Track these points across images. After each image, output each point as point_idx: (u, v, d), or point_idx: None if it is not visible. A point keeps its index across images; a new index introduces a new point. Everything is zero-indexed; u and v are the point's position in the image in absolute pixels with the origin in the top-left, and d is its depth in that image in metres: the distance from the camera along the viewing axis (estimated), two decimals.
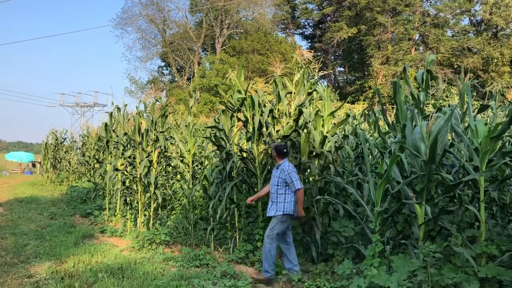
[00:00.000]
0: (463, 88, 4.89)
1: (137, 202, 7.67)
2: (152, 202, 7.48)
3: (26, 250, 6.26)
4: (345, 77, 43.24)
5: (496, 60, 28.91)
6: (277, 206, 5.11)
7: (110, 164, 8.90)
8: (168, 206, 8.77)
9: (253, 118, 6.03)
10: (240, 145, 6.67)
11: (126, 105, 9.52)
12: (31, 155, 32.40)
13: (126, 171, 8.00)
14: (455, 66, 30.72)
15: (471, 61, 29.54)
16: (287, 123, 6.12)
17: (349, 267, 4.56)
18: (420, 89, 4.89)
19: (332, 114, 6.08)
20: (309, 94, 6.15)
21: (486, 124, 4.12)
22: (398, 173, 4.41)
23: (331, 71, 40.50)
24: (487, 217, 4.35)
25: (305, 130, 5.91)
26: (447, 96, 24.81)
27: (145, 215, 7.67)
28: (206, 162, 8.15)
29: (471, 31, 32.82)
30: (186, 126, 7.40)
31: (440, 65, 30.46)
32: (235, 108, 6.32)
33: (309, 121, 5.99)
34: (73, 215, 9.88)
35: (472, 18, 33.62)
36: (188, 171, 7.22)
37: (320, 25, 42.74)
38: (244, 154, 6.28)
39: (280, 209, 5.08)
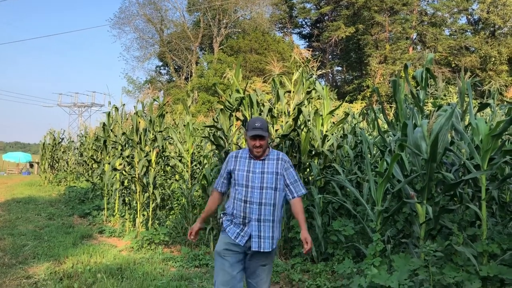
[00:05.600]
0: (463, 86, 4.88)
1: (136, 202, 7.63)
2: (150, 202, 7.44)
3: (24, 250, 6.22)
4: (343, 77, 43.24)
5: (493, 59, 28.95)
6: (274, 229, 3.10)
7: (108, 164, 8.87)
8: (167, 206, 8.73)
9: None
10: (239, 144, 6.65)
11: (124, 104, 9.50)
12: (28, 155, 32.30)
13: (125, 171, 7.97)
14: (453, 65, 30.75)
15: (469, 60, 29.56)
16: (286, 122, 6.09)
17: (350, 267, 4.53)
18: (419, 88, 4.87)
19: (331, 113, 6.07)
20: (308, 93, 6.13)
21: (486, 122, 4.11)
22: (398, 171, 4.39)
23: (329, 70, 40.49)
24: (488, 215, 4.34)
25: (305, 129, 5.89)
26: (445, 95, 24.84)
27: (143, 215, 7.63)
28: (205, 162, 8.13)
29: (468, 30, 32.88)
30: (184, 125, 7.37)
31: (438, 64, 30.49)
32: (234, 107, 6.29)
33: (308, 120, 5.97)
34: (71, 216, 9.83)
35: (469, 17, 33.69)
36: (187, 171, 7.19)
37: (318, 25, 42.71)
38: None
39: (278, 233, 3.17)
